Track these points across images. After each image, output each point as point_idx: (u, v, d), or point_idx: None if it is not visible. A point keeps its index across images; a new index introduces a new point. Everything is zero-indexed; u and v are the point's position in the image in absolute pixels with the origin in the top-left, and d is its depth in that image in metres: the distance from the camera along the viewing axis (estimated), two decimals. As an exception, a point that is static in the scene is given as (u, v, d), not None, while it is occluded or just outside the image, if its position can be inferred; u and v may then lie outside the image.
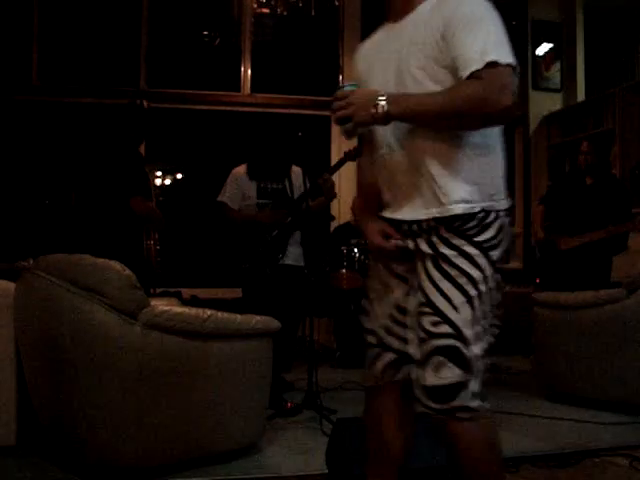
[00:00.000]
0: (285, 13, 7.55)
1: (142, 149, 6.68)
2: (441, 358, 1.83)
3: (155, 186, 4.63)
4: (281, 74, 7.35)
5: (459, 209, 1.85)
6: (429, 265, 1.88)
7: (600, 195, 5.07)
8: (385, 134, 1.95)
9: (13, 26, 6.59)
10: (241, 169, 4.69)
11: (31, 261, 3.07)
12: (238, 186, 4.61)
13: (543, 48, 7.84)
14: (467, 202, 1.85)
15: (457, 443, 1.86)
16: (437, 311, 1.85)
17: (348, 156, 4.53)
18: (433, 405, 1.84)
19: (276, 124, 4.84)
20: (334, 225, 6.78)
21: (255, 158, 4.68)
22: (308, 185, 4.50)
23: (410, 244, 1.95)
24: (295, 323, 4.71)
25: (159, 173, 7.26)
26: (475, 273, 1.85)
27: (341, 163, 4.62)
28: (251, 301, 4.46)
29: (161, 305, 2.94)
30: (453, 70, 1.85)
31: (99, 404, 2.69)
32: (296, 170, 4.69)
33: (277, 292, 4.40)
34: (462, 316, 1.84)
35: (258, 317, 3.17)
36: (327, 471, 2.76)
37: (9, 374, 3.11)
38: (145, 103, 4.37)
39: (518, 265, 7.37)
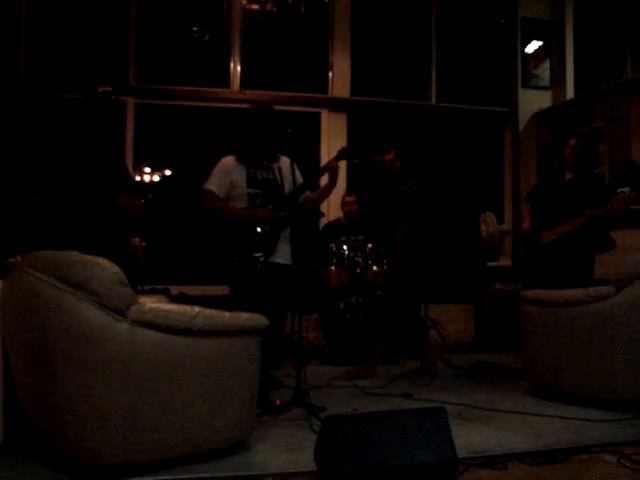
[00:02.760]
0: (275, 10, 7.54)
1: (130, 145, 6.68)
2: None
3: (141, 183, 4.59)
4: (271, 70, 7.34)
5: None
6: None
7: (578, 189, 5.13)
8: None
9: (0, 20, 6.55)
10: (230, 157, 4.58)
11: (18, 258, 3.05)
12: (226, 174, 4.49)
13: (532, 46, 7.87)
14: None
15: None
16: None
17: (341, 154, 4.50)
18: None
19: (265, 114, 4.72)
20: (323, 222, 6.78)
21: (244, 141, 4.57)
22: (300, 179, 4.49)
23: None
24: (282, 320, 4.69)
25: (148, 169, 7.23)
26: None
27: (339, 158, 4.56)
28: (238, 296, 4.40)
29: (149, 302, 2.93)
30: None
31: (86, 402, 2.68)
32: (285, 161, 4.56)
33: (265, 289, 4.37)
34: None
35: (247, 314, 3.16)
36: (316, 468, 2.76)
37: (-4, 371, 3.09)
38: (114, 96, 4.32)
39: (507, 262, 7.39)
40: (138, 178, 7.09)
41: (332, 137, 7.32)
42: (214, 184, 4.49)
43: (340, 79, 7.44)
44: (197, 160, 7.20)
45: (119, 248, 4.05)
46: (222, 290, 4.70)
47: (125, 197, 4.05)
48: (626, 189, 4.77)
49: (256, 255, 4.36)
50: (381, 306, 5.40)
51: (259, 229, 4.39)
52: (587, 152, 5.38)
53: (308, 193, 4.61)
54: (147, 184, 7.20)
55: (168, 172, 7.36)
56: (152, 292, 5.73)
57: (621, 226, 6.06)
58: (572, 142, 5.30)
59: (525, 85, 7.85)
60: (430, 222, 5.43)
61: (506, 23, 8.00)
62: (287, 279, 4.47)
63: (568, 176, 5.27)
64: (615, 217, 4.91)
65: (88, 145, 4.16)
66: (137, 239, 4.22)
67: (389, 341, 5.41)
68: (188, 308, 2.95)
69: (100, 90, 4.23)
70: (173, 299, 5.48)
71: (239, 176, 4.48)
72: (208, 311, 2.99)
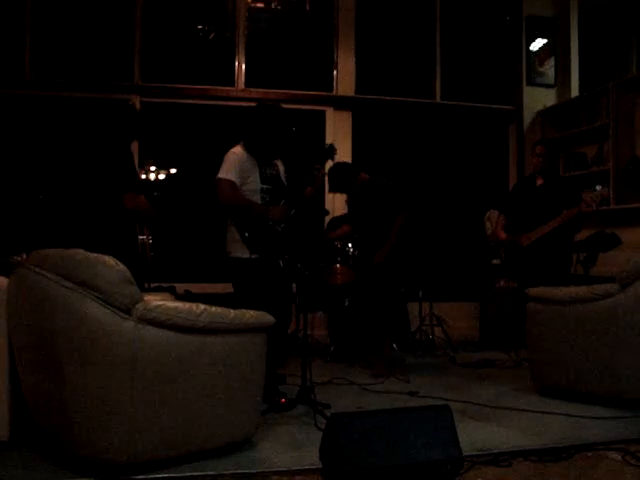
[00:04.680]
0: (279, 8, 7.54)
1: (135, 144, 6.69)
2: None
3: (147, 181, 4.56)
4: (275, 69, 7.34)
5: None
6: None
7: (549, 193, 5.41)
8: None
9: (5, 19, 6.56)
10: (240, 149, 4.42)
11: (24, 256, 3.06)
12: (243, 167, 4.34)
13: (537, 44, 7.85)
14: None
15: None
16: None
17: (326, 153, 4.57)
18: None
19: (276, 112, 4.67)
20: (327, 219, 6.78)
21: (257, 139, 4.44)
22: (284, 178, 4.52)
23: None
24: (289, 317, 4.69)
25: (153, 168, 7.24)
26: None
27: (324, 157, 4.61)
28: (249, 294, 4.26)
29: (154, 300, 2.94)
30: None
31: (92, 399, 2.69)
32: (278, 163, 4.60)
33: (277, 287, 4.37)
34: None
35: (252, 312, 3.17)
36: (321, 466, 2.77)
37: (2, 369, 3.10)
38: (137, 104, 4.35)
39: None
40: (144, 176, 7.10)
41: (337, 135, 7.32)
42: (234, 175, 4.29)
43: (345, 77, 7.44)
44: (202, 158, 7.21)
45: (128, 245, 4.05)
46: (227, 288, 4.69)
47: (131, 196, 4.04)
48: (598, 187, 5.01)
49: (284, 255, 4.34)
50: (374, 299, 5.49)
51: (278, 228, 4.35)
52: (553, 157, 5.59)
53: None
54: (152, 182, 7.21)
55: (173, 170, 7.37)
56: (157, 290, 5.74)
57: (626, 224, 6.07)
58: (538, 149, 5.57)
59: (530, 83, 7.84)
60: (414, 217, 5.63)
61: (511, 21, 7.99)
62: (291, 274, 4.47)
63: (539, 182, 5.56)
64: (582, 218, 5.25)
65: (99, 146, 4.18)
66: (145, 236, 4.23)
67: (392, 333, 5.55)
68: (193, 306, 2.95)
69: (138, 108, 4.29)
70: (178, 297, 5.50)
71: (253, 170, 4.38)
72: (213, 309, 3.00)
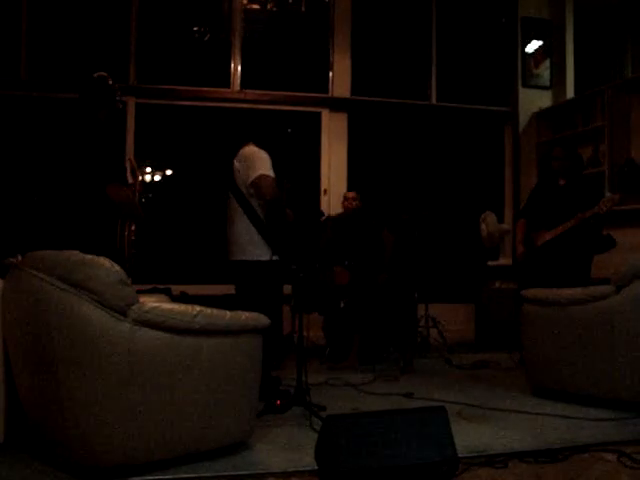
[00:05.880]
0: (275, 9, 7.54)
1: (131, 145, 6.68)
2: None
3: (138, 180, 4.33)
4: (271, 70, 7.34)
5: None
6: None
7: (571, 194, 5.26)
8: None
9: (1, 21, 6.55)
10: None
11: (19, 257, 3.05)
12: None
13: (533, 45, 7.87)
14: None
15: None
16: None
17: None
18: None
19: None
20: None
21: (271, 145, 4.43)
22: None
23: None
24: (281, 318, 4.71)
25: (149, 169, 7.23)
26: None
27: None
28: (265, 296, 4.22)
29: (150, 301, 2.93)
30: None
31: (88, 401, 2.68)
32: None
33: (276, 289, 4.37)
34: None
35: (247, 313, 3.16)
36: (317, 467, 2.77)
37: (-3, 371, 3.10)
38: (132, 105, 4.24)
39: (507, 262, 7.40)
40: (139, 178, 7.08)
41: (333, 137, 7.33)
42: (273, 173, 4.25)
43: (341, 79, 7.44)
44: (198, 160, 7.22)
45: (105, 240, 3.86)
46: (224, 289, 4.68)
47: (115, 187, 3.86)
48: (614, 194, 4.97)
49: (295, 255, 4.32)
50: (369, 303, 5.67)
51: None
52: (573, 157, 5.44)
53: None
54: (148, 184, 7.20)
55: (169, 172, 7.37)
56: (153, 291, 5.74)
57: (621, 225, 6.08)
58: (556, 152, 5.43)
59: (525, 85, 7.85)
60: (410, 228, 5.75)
61: (506, 23, 8.01)
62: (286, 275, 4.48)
63: (561, 182, 5.40)
64: (604, 218, 5.03)
65: (83, 132, 4.01)
66: (126, 234, 4.06)
67: (368, 333, 5.71)
68: (189, 307, 2.95)
69: (95, 75, 4.12)
70: (174, 298, 5.48)
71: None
72: (209, 310, 2.99)
